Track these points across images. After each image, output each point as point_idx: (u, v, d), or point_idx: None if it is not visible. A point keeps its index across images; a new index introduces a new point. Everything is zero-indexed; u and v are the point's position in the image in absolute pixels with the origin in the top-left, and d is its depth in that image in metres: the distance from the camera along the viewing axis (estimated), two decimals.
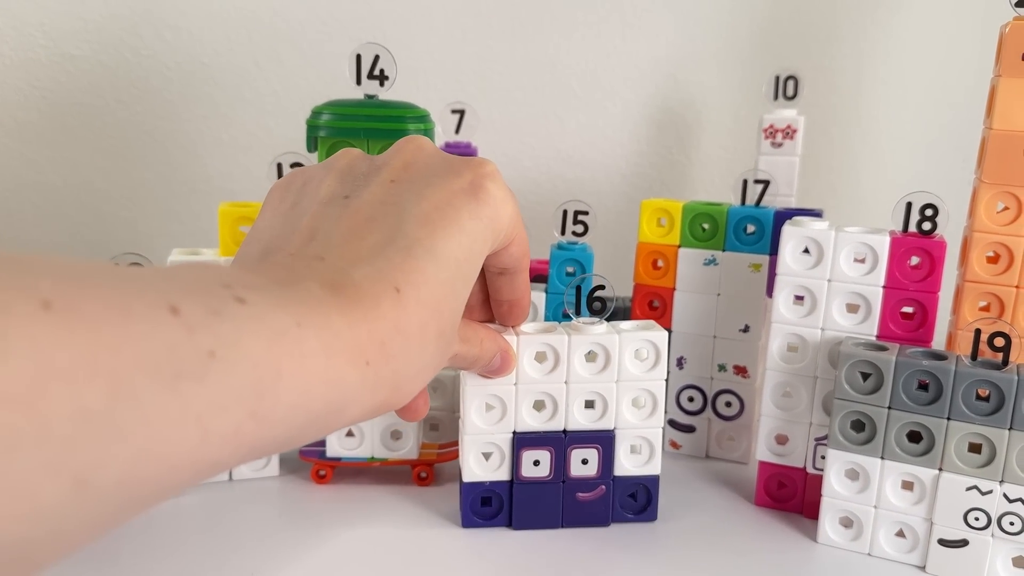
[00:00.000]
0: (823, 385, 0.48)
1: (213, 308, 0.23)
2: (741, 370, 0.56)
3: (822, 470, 0.47)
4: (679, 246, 0.56)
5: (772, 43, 0.77)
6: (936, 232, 0.46)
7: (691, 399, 0.57)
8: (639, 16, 0.76)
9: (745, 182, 0.53)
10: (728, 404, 0.57)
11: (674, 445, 0.58)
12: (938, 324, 0.50)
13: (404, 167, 0.36)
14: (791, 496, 0.51)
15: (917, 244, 0.46)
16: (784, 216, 0.52)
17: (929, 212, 0.46)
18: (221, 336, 0.23)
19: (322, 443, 0.52)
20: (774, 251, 0.53)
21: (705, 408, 0.57)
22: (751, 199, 0.53)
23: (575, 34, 0.76)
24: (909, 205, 0.46)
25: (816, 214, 0.53)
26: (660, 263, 0.57)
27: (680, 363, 0.57)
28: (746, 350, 0.56)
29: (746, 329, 0.55)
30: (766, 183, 0.52)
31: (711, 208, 0.54)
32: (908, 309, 0.47)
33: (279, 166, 0.49)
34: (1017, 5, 0.46)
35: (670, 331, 0.56)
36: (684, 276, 0.56)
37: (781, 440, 0.50)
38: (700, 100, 0.78)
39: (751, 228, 0.54)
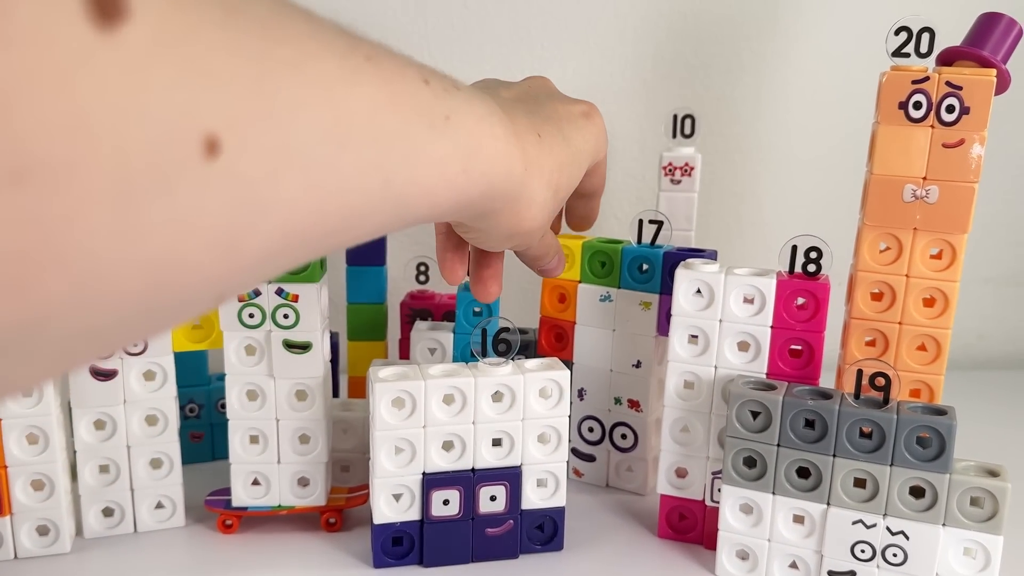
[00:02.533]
0: (718, 421, 0.50)
1: (445, 87, 0.30)
2: (635, 404, 0.57)
3: (719, 502, 0.49)
4: (579, 281, 0.57)
5: (676, 74, 0.79)
6: (821, 274, 0.48)
7: (591, 429, 0.59)
8: (546, 48, 0.78)
9: (641, 222, 0.54)
10: (624, 436, 0.58)
11: (577, 473, 0.60)
12: (831, 358, 0.53)
13: (535, 85, 0.46)
14: (692, 528, 0.52)
15: (802, 286, 0.48)
16: (674, 256, 0.54)
17: (813, 255, 0.48)
18: (452, 107, 0.30)
19: (227, 492, 0.52)
20: (664, 290, 0.54)
21: (604, 439, 0.59)
22: (647, 237, 0.55)
23: (485, 65, 0.77)
24: (795, 248, 0.48)
25: (706, 254, 0.55)
26: (563, 296, 0.58)
27: (581, 394, 0.58)
28: (638, 385, 0.57)
29: (638, 365, 0.56)
30: (660, 223, 0.54)
31: (607, 247, 0.56)
32: (796, 347, 0.49)
33: None
34: (894, 55, 0.48)
35: (571, 363, 0.57)
36: (583, 310, 0.57)
37: (681, 473, 0.52)
38: (609, 130, 0.79)
39: (645, 267, 0.55)
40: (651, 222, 0.54)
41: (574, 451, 0.59)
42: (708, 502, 0.51)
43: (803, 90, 0.80)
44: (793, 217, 0.83)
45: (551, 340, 0.59)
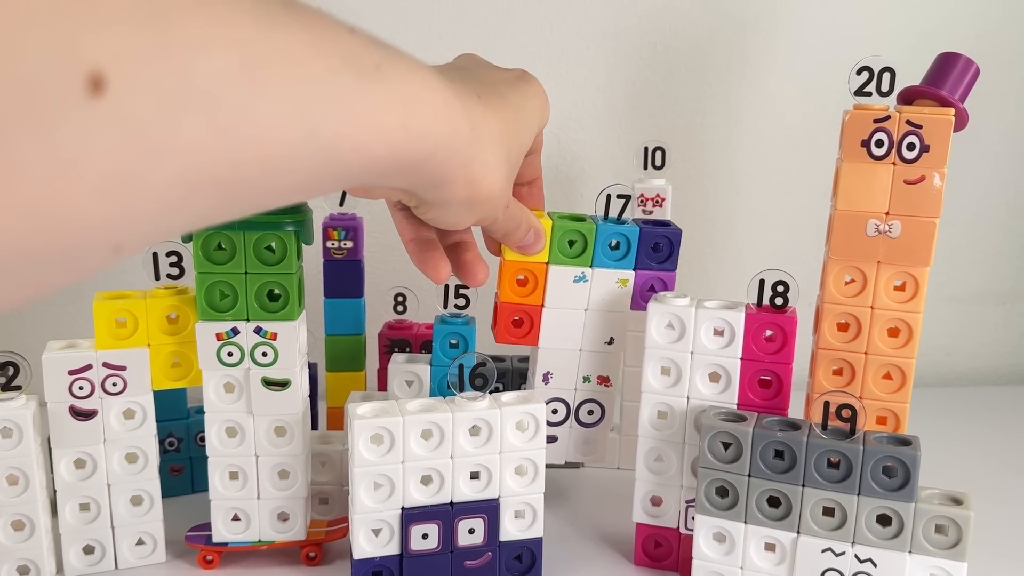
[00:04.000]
0: (691, 451, 0.51)
1: (372, 39, 0.29)
2: (604, 380, 0.57)
3: (694, 531, 0.50)
4: (548, 263, 0.55)
5: (647, 103, 0.81)
6: (788, 307, 0.49)
7: (555, 411, 0.58)
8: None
9: (609, 196, 0.54)
10: (590, 412, 0.58)
11: None
12: (802, 382, 0.54)
13: (464, 59, 0.45)
14: (667, 555, 0.53)
15: (770, 319, 0.49)
16: (651, 232, 0.54)
17: (780, 288, 0.49)
18: (382, 57, 0.29)
19: (207, 528, 0.52)
20: (639, 266, 0.55)
21: (568, 418, 0.59)
22: (615, 211, 0.54)
23: None
24: (762, 282, 0.49)
25: (672, 228, 0.55)
26: (525, 280, 0.56)
27: (546, 378, 0.57)
28: (610, 361, 0.57)
29: (611, 341, 0.56)
30: (627, 197, 0.54)
31: (579, 225, 0.54)
32: (766, 378, 0.50)
33: (155, 255, 0.49)
34: (856, 94, 0.50)
35: (536, 348, 0.57)
36: (554, 293, 0.55)
37: (656, 502, 0.53)
38: (583, 157, 0.81)
39: (615, 243, 0.55)
40: (619, 196, 0.54)
41: None
42: (683, 530, 0.52)
43: (772, 117, 0.82)
44: (764, 242, 0.84)
45: (508, 327, 0.57)
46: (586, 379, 0.58)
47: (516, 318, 0.57)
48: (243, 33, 0.22)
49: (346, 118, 0.27)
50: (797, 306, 0.50)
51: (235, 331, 0.49)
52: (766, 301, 0.49)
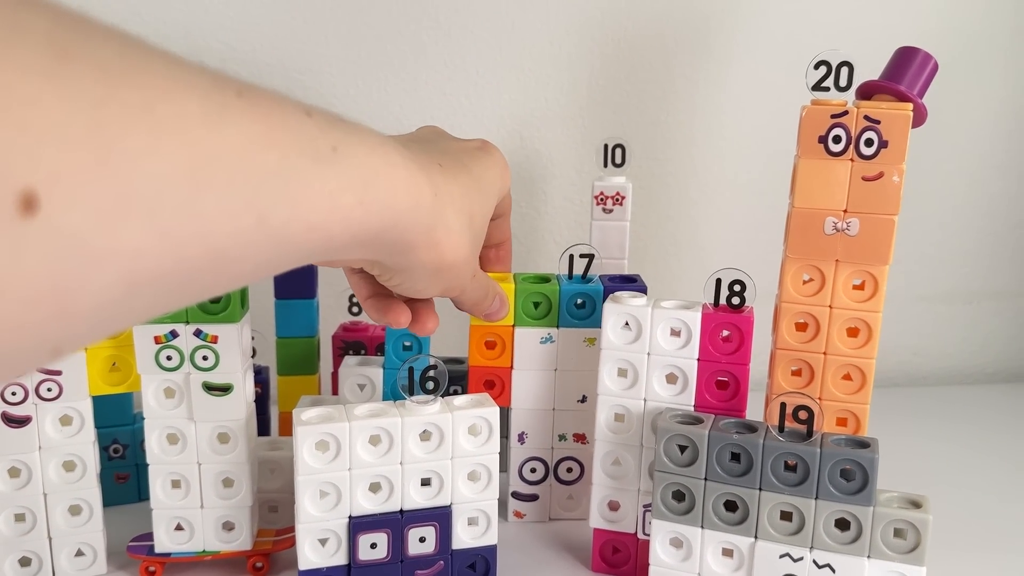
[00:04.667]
0: (648, 454, 0.50)
1: (331, 120, 0.30)
2: (580, 437, 0.57)
3: (650, 536, 0.49)
4: (514, 326, 0.55)
5: (610, 100, 0.79)
6: (745, 306, 0.48)
7: (533, 470, 0.58)
8: (482, 75, 0.77)
9: (572, 256, 0.54)
10: (569, 470, 0.58)
11: (518, 515, 0.58)
12: (762, 382, 0.53)
13: (424, 131, 0.46)
14: (625, 561, 0.52)
15: (727, 319, 0.48)
16: (613, 289, 0.54)
17: (737, 288, 0.48)
18: (339, 138, 0.30)
19: (150, 538, 0.50)
20: None
21: (547, 476, 0.58)
22: (579, 270, 0.54)
23: (419, 92, 0.77)
24: (719, 281, 0.48)
25: (637, 283, 0.54)
26: (493, 343, 0.56)
27: (521, 438, 0.57)
28: (584, 418, 0.56)
29: (583, 400, 0.56)
30: (591, 256, 0.54)
31: (542, 287, 0.54)
32: (723, 379, 0.49)
33: None
34: (814, 89, 0.48)
35: (509, 409, 0.56)
36: (522, 355, 0.55)
37: (613, 507, 0.52)
38: (546, 155, 0.80)
39: (580, 302, 0.55)
40: (582, 256, 0.53)
41: (515, 494, 0.58)
42: (640, 535, 0.51)
43: (735, 115, 0.81)
44: (728, 240, 0.83)
45: (480, 389, 0.56)
46: (562, 437, 0.57)
47: (488, 380, 0.56)
48: (189, 135, 0.22)
49: (299, 203, 0.27)
50: (761, 306, 0.49)
51: (174, 334, 0.47)
52: (723, 301, 0.48)
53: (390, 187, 0.32)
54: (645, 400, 0.50)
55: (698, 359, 0.48)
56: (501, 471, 0.50)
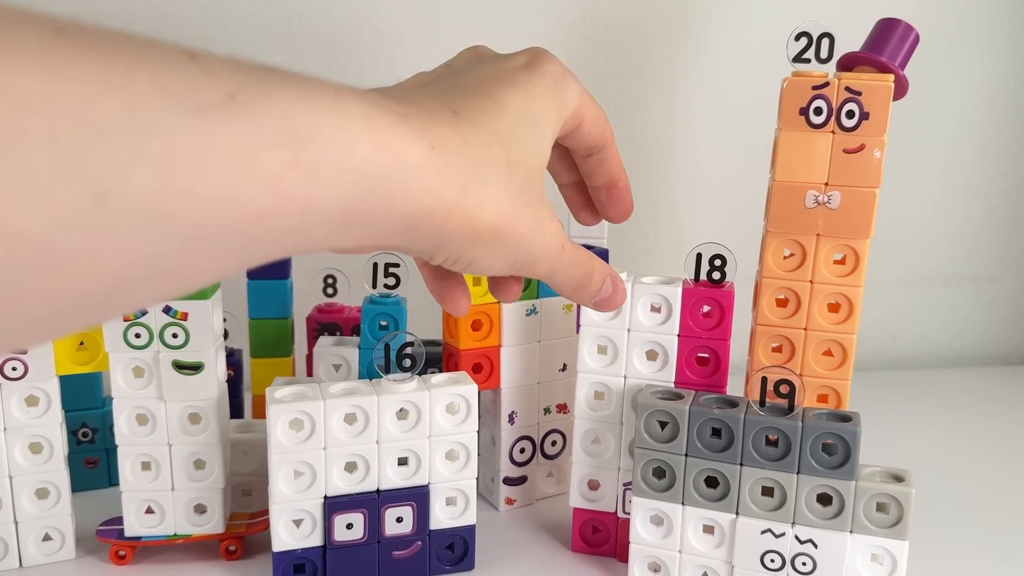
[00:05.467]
0: (628, 431, 0.49)
1: (235, 65, 0.23)
2: (562, 407, 0.57)
3: (631, 514, 0.48)
4: (500, 302, 0.54)
5: (589, 81, 0.79)
6: (726, 281, 0.47)
7: (523, 450, 0.57)
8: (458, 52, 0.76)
9: None
10: (554, 443, 0.58)
11: (509, 502, 0.57)
12: (742, 362, 0.52)
13: (460, 58, 0.37)
14: (605, 540, 0.52)
15: (707, 294, 0.47)
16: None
17: (718, 262, 0.47)
18: (243, 84, 0.23)
19: (120, 521, 0.49)
20: None
21: (535, 455, 0.57)
22: None
23: (396, 71, 0.76)
24: (699, 256, 0.48)
25: (596, 250, 0.54)
26: (480, 323, 0.55)
27: (511, 418, 0.56)
28: (566, 388, 0.57)
29: (564, 368, 0.57)
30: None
31: None
32: (704, 355, 0.48)
33: None
34: (794, 60, 0.48)
35: (499, 390, 0.56)
36: (509, 331, 0.55)
37: (593, 486, 0.51)
38: None
39: None
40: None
41: (505, 480, 0.57)
42: (620, 514, 0.50)
43: (714, 96, 0.80)
44: (708, 222, 0.83)
45: (470, 374, 0.54)
46: (547, 410, 0.57)
47: (475, 363, 0.55)
48: None
49: (170, 168, 0.21)
50: (739, 286, 0.48)
51: (143, 311, 0.46)
52: (703, 276, 0.48)
53: (345, 144, 0.26)
54: (625, 377, 0.49)
55: (679, 335, 0.48)
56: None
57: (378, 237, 0.29)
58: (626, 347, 0.48)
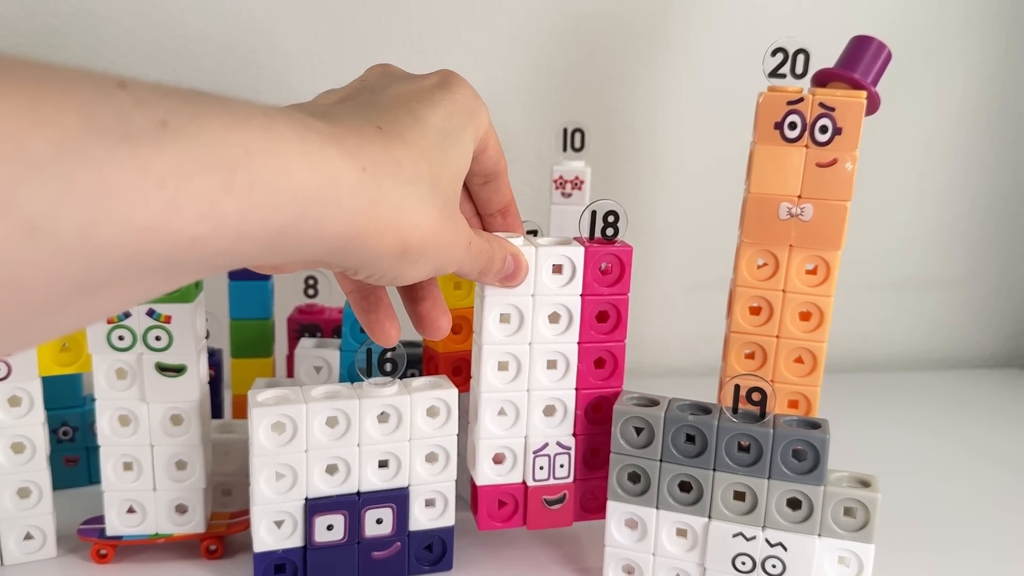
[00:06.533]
0: (536, 398, 0.49)
1: (164, 91, 0.23)
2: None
3: (541, 481, 0.49)
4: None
5: (569, 84, 0.80)
6: (618, 237, 0.48)
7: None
8: (440, 56, 0.77)
9: None
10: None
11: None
12: (710, 377, 0.53)
13: (372, 74, 0.38)
14: (512, 513, 0.51)
15: (607, 250, 0.47)
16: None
17: (611, 219, 0.48)
18: (173, 110, 0.23)
19: (101, 520, 0.50)
20: None
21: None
22: None
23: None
24: (594, 213, 0.48)
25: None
26: (459, 327, 0.55)
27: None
28: None
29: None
30: (535, 232, 0.54)
31: None
32: (604, 311, 0.48)
33: None
34: (770, 75, 0.49)
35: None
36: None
37: (499, 459, 0.50)
38: (504, 139, 0.79)
39: None
40: (528, 232, 0.53)
41: None
42: (530, 482, 0.50)
43: (693, 102, 0.82)
44: (684, 227, 0.84)
45: (449, 377, 0.54)
46: None
47: (455, 366, 0.56)
48: None
49: (101, 200, 0.21)
50: (717, 293, 0.49)
51: (126, 313, 0.46)
52: (598, 233, 0.48)
53: (278, 166, 0.26)
54: (531, 344, 0.48)
55: (582, 295, 0.48)
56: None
57: (309, 256, 0.30)
58: (532, 312, 0.48)
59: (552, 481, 0.50)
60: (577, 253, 0.47)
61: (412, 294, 0.42)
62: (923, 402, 0.80)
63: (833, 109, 0.47)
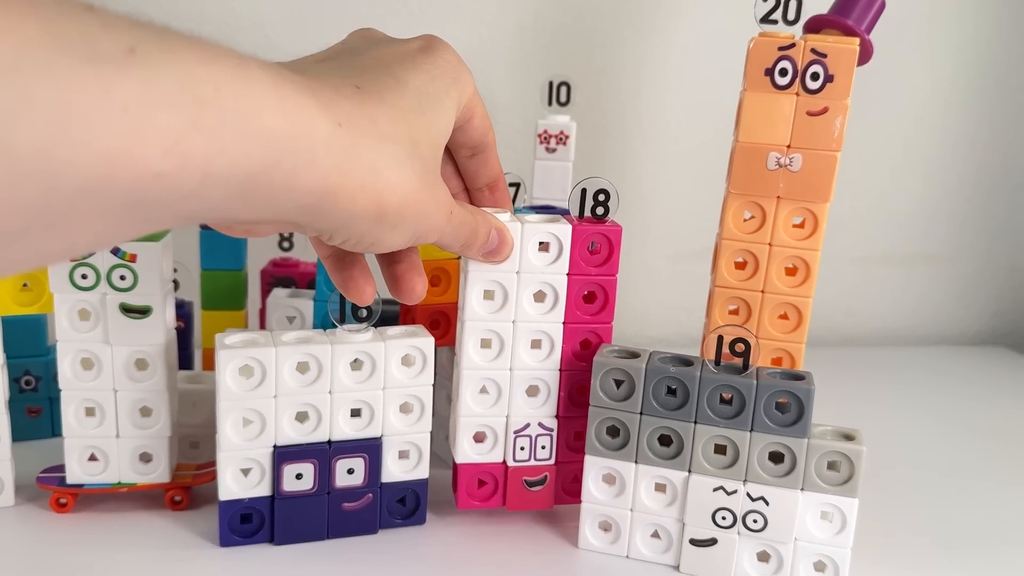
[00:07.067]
0: (519, 378, 0.47)
1: (134, 21, 0.22)
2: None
3: (522, 462, 0.48)
4: (460, 257, 0.52)
5: (557, 45, 0.78)
6: (608, 217, 0.46)
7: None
8: (425, 13, 0.75)
9: None
10: None
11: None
12: (692, 349, 0.52)
13: (353, 38, 0.37)
14: (492, 493, 0.50)
15: (596, 229, 0.46)
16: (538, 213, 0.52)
17: (602, 197, 0.46)
18: (142, 39, 0.22)
19: (61, 469, 0.48)
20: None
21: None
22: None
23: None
24: (584, 191, 0.46)
25: (557, 210, 0.53)
26: (437, 279, 0.54)
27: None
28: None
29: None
30: (517, 185, 0.52)
31: None
32: (591, 291, 0.47)
33: None
34: (762, 21, 0.48)
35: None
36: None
37: (479, 438, 0.49)
38: (488, 100, 0.77)
39: None
40: (510, 184, 0.52)
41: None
42: (510, 462, 0.49)
43: (682, 68, 0.80)
44: (671, 196, 0.83)
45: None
46: None
47: (433, 319, 0.54)
48: None
49: (61, 120, 0.20)
50: (701, 262, 0.47)
51: (90, 252, 0.45)
52: (587, 212, 0.47)
53: (249, 108, 0.25)
54: (514, 322, 0.47)
55: (568, 274, 0.46)
56: None
57: (280, 211, 0.28)
58: (516, 290, 0.46)
59: (533, 462, 0.49)
60: (564, 231, 0.46)
61: (388, 256, 0.41)
62: (905, 377, 0.80)
63: (825, 55, 0.46)
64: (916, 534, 0.51)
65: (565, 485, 0.50)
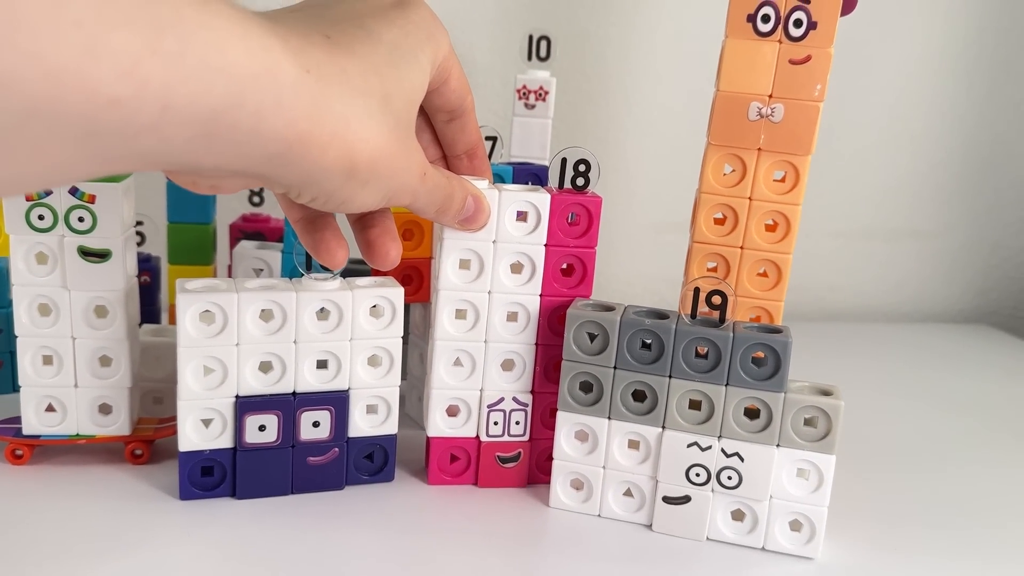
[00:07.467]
0: (494, 351, 0.46)
1: None
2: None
3: (495, 437, 0.47)
4: None
5: (538, 4, 0.77)
6: (589, 188, 0.45)
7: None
8: None
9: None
10: None
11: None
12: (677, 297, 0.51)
13: None
14: (464, 468, 0.49)
15: (575, 199, 0.45)
16: (523, 171, 0.51)
17: (582, 168, 0.45)
18: None
19: (17, 420, 0.46)
20: None
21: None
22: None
23: None
24: (564, 160, 0.45)
25: (536, 168, 0.52)
26: (410, 232, 0.52)
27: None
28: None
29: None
30: (494, 139, 0.51)
31: None
32: (569, 264, 0.46)
33: None
34: None
35: (429, 304, 0.53)
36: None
37: (452, 412, 0.48)
38: (468, 61, 0.76)
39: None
40: (487, 138, 0.51)
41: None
42: (484, 437, 0.47)
43: (668, 34, 0.79)
44: (655, 162, 0.82)
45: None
46: None
47: (405, 275, 0.53)
48: None
49: (9, 26, 0.19)
50: (680, 235, 0.46)
51: (47, 191, 0.43)
52: (567, 183, 0.45)
53: (212, 40, 0.23)
54: (490, 292, 0.46)
55: (546, 244, 0.45)
56: None
57: (245, 158, 0.27)
58: (492, 260, 0.45)
59: (507, 438, 0.48)
60: (543, 200, 0.45)
61: (362, 220, 0.40)
62: (888, 354, 0.79)
63: (808, 1, 0.45)
64: (894, 501, 0.50)
65: (539, 463, 0.49)
